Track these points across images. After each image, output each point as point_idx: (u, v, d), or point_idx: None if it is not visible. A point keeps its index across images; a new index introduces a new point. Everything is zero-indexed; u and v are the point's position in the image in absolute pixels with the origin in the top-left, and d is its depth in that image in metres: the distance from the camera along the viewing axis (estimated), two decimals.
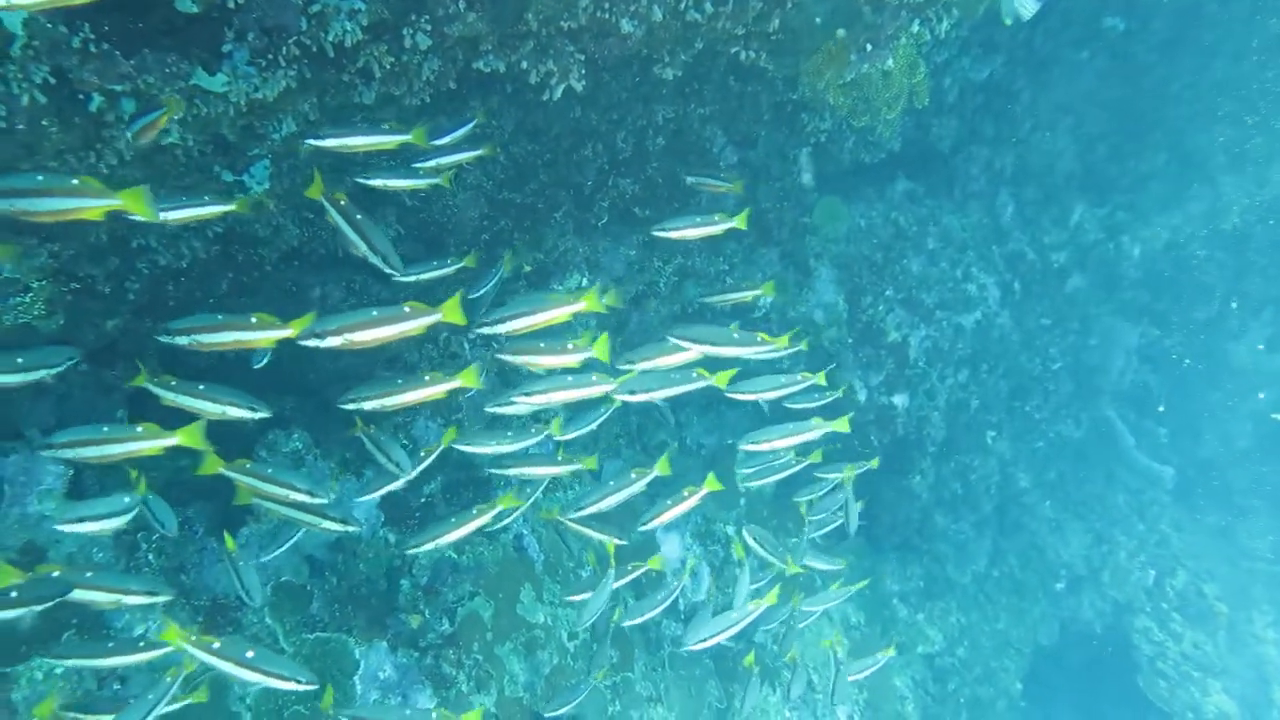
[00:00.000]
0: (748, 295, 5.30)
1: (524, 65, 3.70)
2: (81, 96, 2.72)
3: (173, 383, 3.35)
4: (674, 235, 4.58)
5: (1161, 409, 10.14)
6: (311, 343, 3.11)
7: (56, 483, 3.92)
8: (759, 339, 4.25)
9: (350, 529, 3.79)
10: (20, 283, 3.58)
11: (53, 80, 2.59)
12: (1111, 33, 8.36)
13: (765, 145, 6.76)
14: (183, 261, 4.13)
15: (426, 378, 3.52)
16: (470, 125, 4.23)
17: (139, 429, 3.24)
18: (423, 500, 5.36)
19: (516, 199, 5.50)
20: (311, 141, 3.49)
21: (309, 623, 4.59)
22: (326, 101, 3.57)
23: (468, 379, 3.49)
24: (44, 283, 3.66)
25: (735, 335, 4.23)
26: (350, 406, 3.59)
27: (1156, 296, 9.29)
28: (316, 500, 3.60)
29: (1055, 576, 9.37)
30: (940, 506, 8.50)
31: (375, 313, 3.20)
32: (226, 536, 3.65)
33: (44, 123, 2.70)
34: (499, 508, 4.11)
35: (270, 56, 3.03)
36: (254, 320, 3.13)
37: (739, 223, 4.53)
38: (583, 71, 3.76)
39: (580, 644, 5.68)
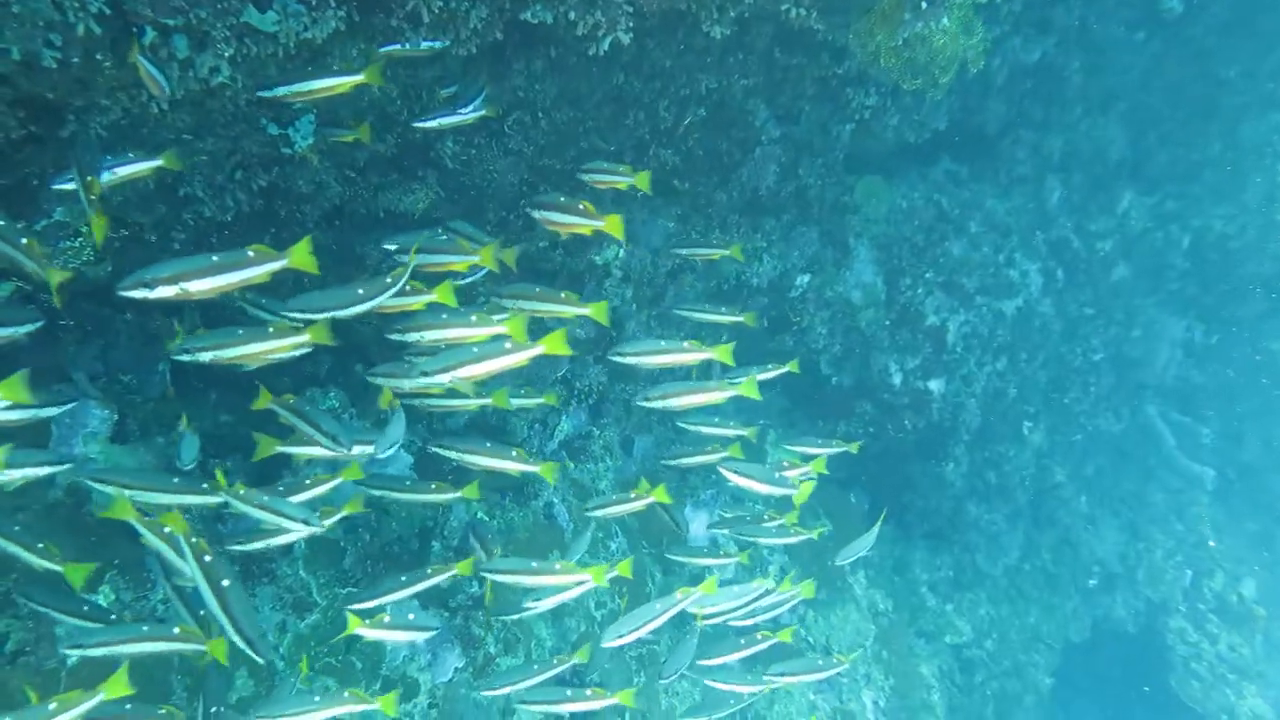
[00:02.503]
0: (715, 254, 5.30)
1: (571, 16, 3.66)
2: (135, 30, 2.73)
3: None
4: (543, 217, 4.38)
5: (1209, 414, 9.91)
6: (139, 293, 2.83)
7: (102, 426, 3.98)
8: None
9: (314, 530, 3.58)
10: (70, 227, 3.63)
11: (108, 11, 2.60)
12: (1169, 15, 8.12)
13: (808, 120, 6.65)
14: (227, 214, 4.16)
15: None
16: (481, 94, 4.24)
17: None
18: (455, 464, 5.36)
19: (556, 165, 5.46)
20: (262, 94, 3.39)
21: (342, 577, 4.63)
22: (374, 48, 3.55)
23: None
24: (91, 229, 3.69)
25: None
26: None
27: (1205, 289, 9.05)
28: (339, 449, 3.62)
29: (1088, 573, 9.20)
30: (973, 496, 8.38)
31: (215, 258, 2.92)
32: (218, 473, 3.63)
33: (98, 56, 2.71)
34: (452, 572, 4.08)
35: None
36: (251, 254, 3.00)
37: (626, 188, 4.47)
38: (630, 24, 3.71)
39: (607, 614, 5.68)
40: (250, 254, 2.96)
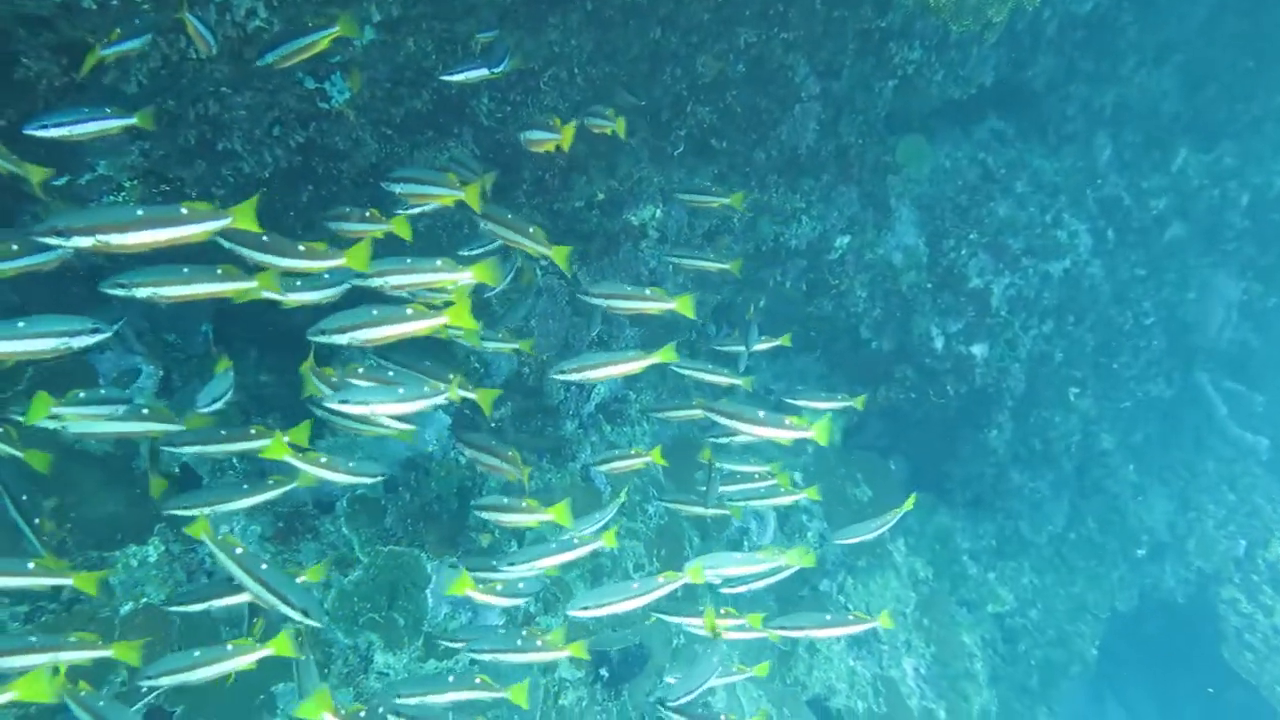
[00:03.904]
0: (715, 202, 5.15)
1: None
2: None
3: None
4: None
5: (1265, 380, 9.57)
6: (53, 241, 2.60)
7: (148, 381, 4.03)
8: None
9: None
10: (114, 180, 3.65)
11: None
12: None
13: (850, 76, 6.47)
14: (265, 171, 4.15)
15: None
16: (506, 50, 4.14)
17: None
18: (493, 424, 5.37)
19: None
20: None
21: (383, 535, 4.67)
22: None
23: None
24: (135, 182, 3.71)
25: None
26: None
27: (1264, 249, 8.71)
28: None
29: (1136, 542, 8.99)
30: (1017, 463, 8.21)
31: (141, 212, 2.65)
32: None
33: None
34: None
35: None
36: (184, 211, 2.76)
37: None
38: None
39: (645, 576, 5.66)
40: (183, 210, 2.69)
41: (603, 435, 5.90)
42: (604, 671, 5.12)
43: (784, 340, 5.24)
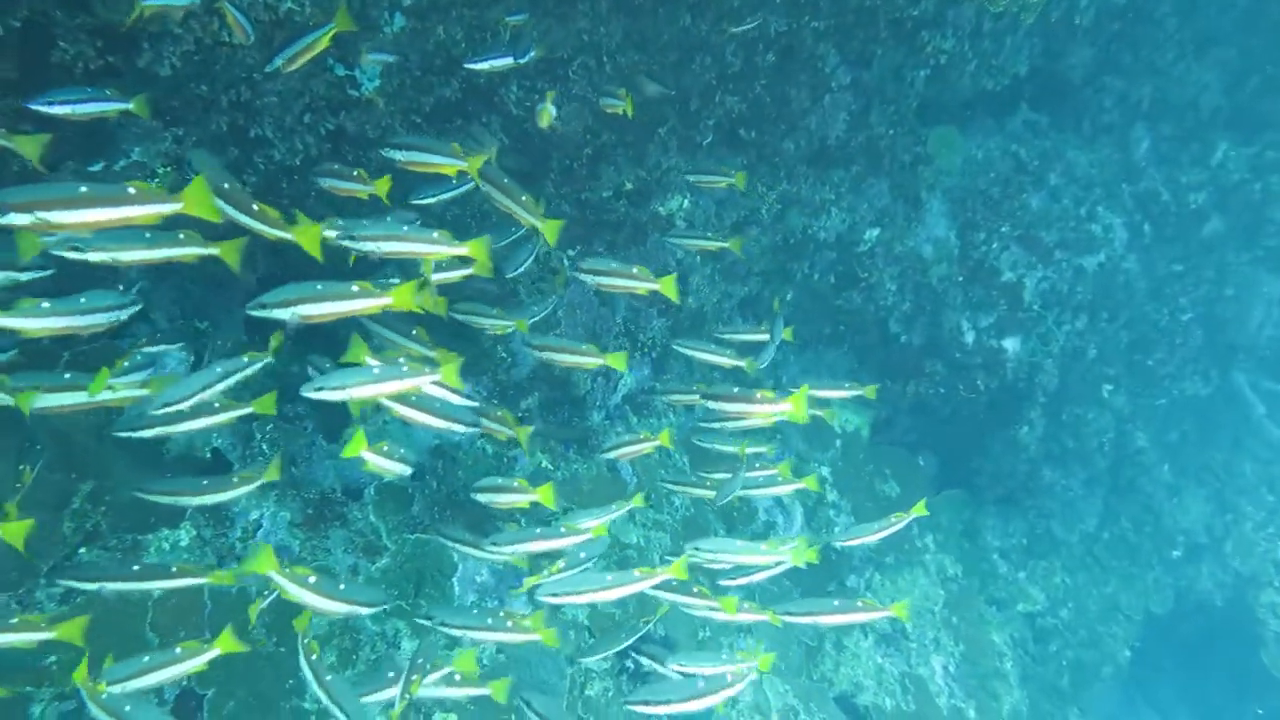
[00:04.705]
0: (721, 181, 5.09)
1: None
2: None
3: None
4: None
5: None
6: None
7: (179, 367, 4.06)
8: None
9: None
10: (148, 167, 3.68)
11: None
12: None
13: (880, 66, 6.39)
14: (296, 158, 4.18)
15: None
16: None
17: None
18: (520, 415, 5.36)
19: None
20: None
21: (410, 523, 4.67)
22: None
23: None
24: (168, 169, 3.74)
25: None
26: None
27: None
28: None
29: (1172, 543, 8.79)
30: (1049, 461, 8.06)
31: (85, 189, 2.52)
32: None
33: None
34: None
35: None
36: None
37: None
38: None
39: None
40: (131, 190, 2.55)
41: (629, 426, 5.87)
42: (630, 664, 5.10)
43: (786, 334, 5.15)
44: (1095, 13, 7.40)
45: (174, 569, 3.13)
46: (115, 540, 3.81)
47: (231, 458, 4.35)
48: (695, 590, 3.98)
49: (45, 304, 2.73)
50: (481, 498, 4.03)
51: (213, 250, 2.88)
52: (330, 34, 3.35)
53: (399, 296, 3.08)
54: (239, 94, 3.77)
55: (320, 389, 3.06)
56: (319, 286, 3.04)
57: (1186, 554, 8.86)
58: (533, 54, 4.21)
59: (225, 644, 2.99)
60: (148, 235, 2.76)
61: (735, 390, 4.15)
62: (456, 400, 3.62)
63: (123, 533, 3.87)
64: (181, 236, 2.83)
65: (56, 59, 3.11)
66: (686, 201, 5.94)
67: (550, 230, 3.82)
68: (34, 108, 2.87)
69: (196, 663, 2.94)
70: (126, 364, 3.16)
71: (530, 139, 5.26)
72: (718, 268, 6.32)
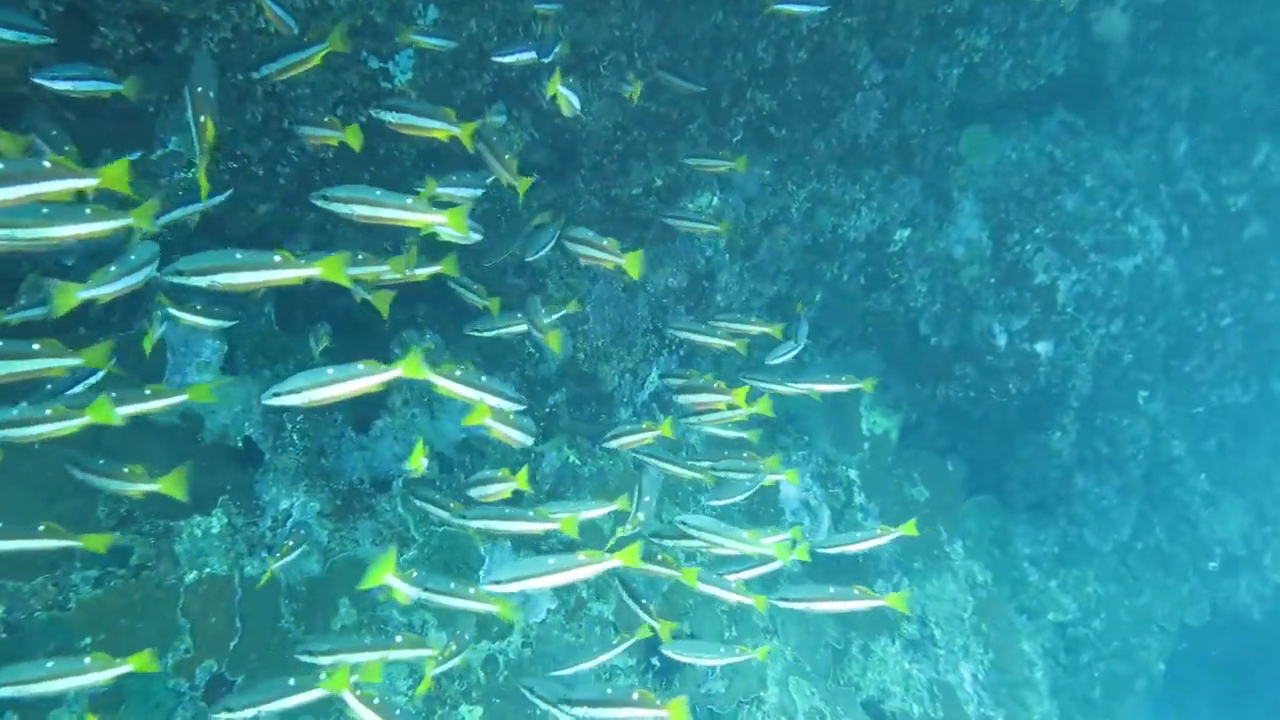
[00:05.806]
0: (722, 166, 5.07)
1: None
2: None
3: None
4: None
5: None
6: None
7: (213, 356, 4.10)
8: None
9: None
10: (183, 157, 3.71)
11: None
12: None
13: (913, 63, 6.32)
14: (329, 151, 4.20)
15: None
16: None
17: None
18: (547, 410, 5.36)
19: (651, 108, 5.34)
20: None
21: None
22: None
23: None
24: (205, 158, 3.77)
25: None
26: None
27: None
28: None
29: (1208, 554, 8.59)
30: (1082, 467, 7.91)
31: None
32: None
33: None
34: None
35: None
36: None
37: None
38: None
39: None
40: (46, 165, 2.45)
41: (657, 423, 5.83)
42: (655, 660, 5.06)
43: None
44: (1135, 11, 7.28)
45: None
46: (149, 526, 3.84)
47: (263, 447, 4.38)
48: (660, 558, 3.93)
49: None
50: (473, 492, 4.01)
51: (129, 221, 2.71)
52: (322, 54, 3.31)
53: (327, 268, 2.96)
54: (274, 84, 3.80)
55: (277, 395, 2.93)
56: (238, 255, 2.95)
57: (1224, 566, 8.66)
58: (558, 50, 4.20)
59: (140, 663, 2.81)
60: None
61: (702, 381, 4.41)
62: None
63: (156, 518, 3.90)
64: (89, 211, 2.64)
65: (97, 44, 3.15)
66: (715, 199, 5.91)
67: (523, 186, 3.89)
68: (39, 81, 2.89)
69: (101, 677, 2.76)
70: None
71: (560, 134, 5.26)
72: (746, 266, 6.28)
